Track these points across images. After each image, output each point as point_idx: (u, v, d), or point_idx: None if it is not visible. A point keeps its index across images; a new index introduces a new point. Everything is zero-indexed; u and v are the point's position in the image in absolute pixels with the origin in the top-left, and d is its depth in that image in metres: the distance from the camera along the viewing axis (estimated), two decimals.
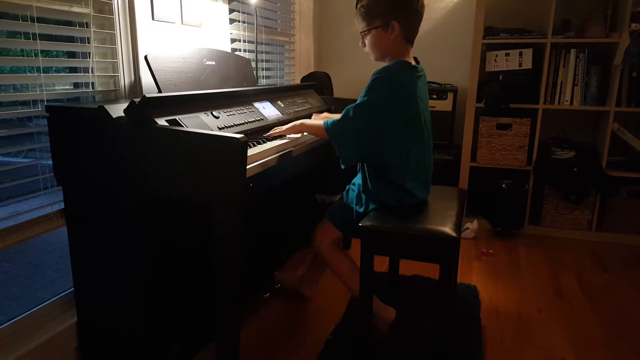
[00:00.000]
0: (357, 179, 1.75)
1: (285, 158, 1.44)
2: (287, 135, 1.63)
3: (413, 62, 1.58)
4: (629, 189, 2.71)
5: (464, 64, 3.05)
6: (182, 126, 1.28)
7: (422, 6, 1.54)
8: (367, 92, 1.49)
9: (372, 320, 1.68)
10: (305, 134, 1.67)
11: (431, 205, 1.67)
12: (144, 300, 1.39)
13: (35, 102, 1.42)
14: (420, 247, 1.48)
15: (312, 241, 1.79)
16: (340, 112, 2.16)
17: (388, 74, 1.49)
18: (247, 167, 1.20)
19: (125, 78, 1.69)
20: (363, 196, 1.66)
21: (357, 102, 1.50)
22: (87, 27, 1.56)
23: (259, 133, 1.62)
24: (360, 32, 1.59)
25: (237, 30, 2.41)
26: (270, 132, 1.62)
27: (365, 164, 1.63)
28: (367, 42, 1.58)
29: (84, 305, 1.51)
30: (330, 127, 1.53)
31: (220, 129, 1.43)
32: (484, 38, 2.76)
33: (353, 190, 1.75)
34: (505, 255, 2.58)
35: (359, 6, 1.56)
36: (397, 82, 1.49)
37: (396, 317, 1.76)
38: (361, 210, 1.66)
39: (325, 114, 1.92)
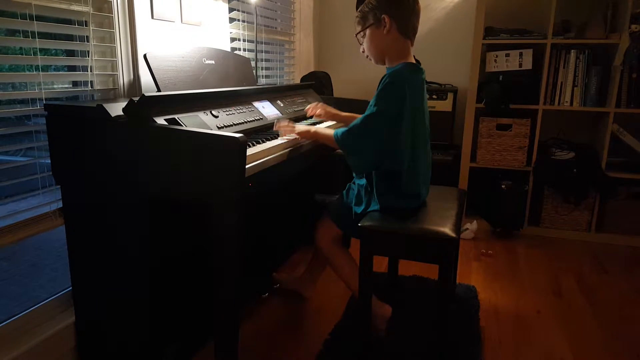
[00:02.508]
0: (358, 179, 1.75)
1: (284, 158, 1.43)
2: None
3: (416, 64, 1.57)
4: (628, 190, 2.71)
5: (464, 64, 3.05)
6: (181, 125, 1.28)
7: (416, 1, 1.52)
8: (377, 101, 1.47)
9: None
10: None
11: (430, 206, 1.66)
12: (142, 299, 1.38)
13: (33, 101, 1.41)
14: (419, 247, 1.48)
15: (313, 237, 1.79)
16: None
17: (398, 80, 1.47)
18: (247, 166, 1.20)
19: (124, 77, 1.68)
20: (365, 198, 1.65)
21: (367, 111, 1.49)
22: (86, 26, 1.55)
23: (258, 133, 1.61)
24: (356, 36, 1.60)
25: (236, 30, 2.40)
26: (280, 127, 1.60)
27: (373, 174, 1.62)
28: (364, 44, 1.59)
29: (81, 304, 1.50)
30: (339, 138, 1.52)
31: (219, 128, 1.43)
32: (484, 38, 2.76)
33: (353, 190, 1.74)
34: (505, 256, 2.58)
35: (355, 15, 1.58)
36: (407, 90, 1.47)
37: (394, 316, 1.75)
38: (360, 210, 1.65)
39: (330, 112, 1.91)
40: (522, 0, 2.93)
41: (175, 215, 1.47)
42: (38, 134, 1.45)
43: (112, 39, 1.63)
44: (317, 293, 2.09)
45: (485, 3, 2.70)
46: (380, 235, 1.50)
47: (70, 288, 1.52)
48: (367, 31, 1.55)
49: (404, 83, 1.47)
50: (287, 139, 1.53)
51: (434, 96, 2.95)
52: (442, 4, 3.17)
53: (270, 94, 1.94)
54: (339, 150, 1.64)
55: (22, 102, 1.40)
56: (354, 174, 1.75)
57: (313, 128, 1.62)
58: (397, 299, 2.02)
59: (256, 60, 2.40)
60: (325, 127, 1.71)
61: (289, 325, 1.87)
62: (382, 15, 1.49)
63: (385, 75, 1.50)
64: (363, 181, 1.69)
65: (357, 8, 1.58)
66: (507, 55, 2.79)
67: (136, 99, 1.21)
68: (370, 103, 1.50)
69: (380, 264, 2.34)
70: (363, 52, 1.61)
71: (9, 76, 1.37)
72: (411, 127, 1.51)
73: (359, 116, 1.64)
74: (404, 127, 1.49)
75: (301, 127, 1.62)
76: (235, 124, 1.52)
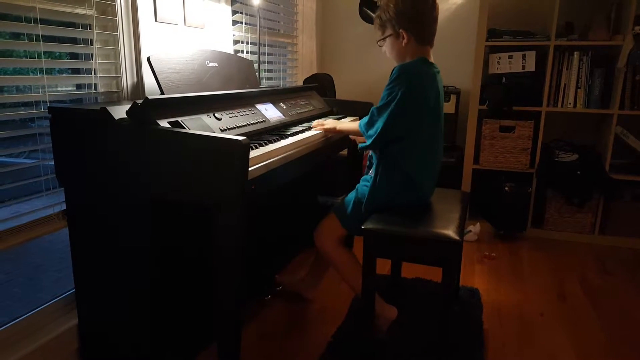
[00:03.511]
0: (368, 176, 1.75)
1: (287, 160, 1.43)
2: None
3: (431, 59, 1.64)
4: (632, 192, 2.70)
5: (467, 66, 3.04)
6: (184, 128, 1.28)
7: (433, 7, 1.59)
8: (389, 93, 1.55)
9: (374, 319, 1.68)
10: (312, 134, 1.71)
11: (434, 208, 1.66)
12: (145, 301, 1.39)
13: (37, 104, 1.42)
14: (422, 250, 1.48)
15: (314, 238, 1.79)
16: (342, 114, 2.18)
17: (406, 70, 1.55)
18: (249, 169, 1.20)
19: (127, 79, 1.69)
20: (369, 190, 1.66)
21: (382, 102, 1.57)
22: (90, 29, 1.56)
23: (261, 135, 1.62)
24: (377, 42, 1.69)
25: (239, 32, 2.41)
26: (315, 122, 1.82)
27: (380, 161, 1.64)
28: (385, 48, 1.68)
29: (85, 306, 1.51)
30: (361, 125, 1.65)
31: (222, 130, 1.43)
32: (487, 40, 2.76)
33: (366, 186, 1.73)
34: (508, 259, 2.57)
35: (375, 17, 1.68)
36: (414, 78, 1.55)
37: (398, 318, 1.75)
38: (364, 203, 1.66)
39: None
40: (525, 2, 2.93)
41: (178, 217, 1.47)
42: (42, 136, 1.45)
43: (115, 42, 1.64)
44: (320, 294, 2.09)
45: (488, 5, 2.70)
46: (383, 237, 1.50)
47: (74, 290, 1.52)
48: (387, 39, 1.64)
49: (410, 74, 1.55)
50: (293, 140, 1.57)
51: None
52: (445, 5, 3.17)
53: (273, 96, 1.94)
54: (343, 152, 1.68)
55: (26, 104, 1.41)
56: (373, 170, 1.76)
57: (339, 125, 1.78)
58: (400, 301, 2.01)
59: (259, 63, 2.40)
60: (349, 121, 1.86)
61: (291, 327, 1.87)
62: (400, 30, 1.58)
63: (395, 67, 1.57)
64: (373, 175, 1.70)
65: (359, 12, 1.63)
66: (510, 57, 2.78)
67: (140, 101, 1.21)
68: (383, 94, 1.57)
69: (384, 266, 2.33)
70: (385, 53, 1.71)
71: (13, 79, 1.37)
72: (421, 117, 1.57)
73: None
74: (408, 112, 1.55)
75: (329, 125, 1.79)
76: (238, 127, 1.52)
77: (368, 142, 1.62)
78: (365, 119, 1.63)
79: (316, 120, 1.86)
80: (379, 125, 1.57)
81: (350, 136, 1.95)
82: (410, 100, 1.53)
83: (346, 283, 1.77)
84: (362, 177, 1.79)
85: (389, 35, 1.63)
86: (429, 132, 1.62)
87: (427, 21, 1.59)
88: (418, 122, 1.57)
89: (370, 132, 1.60)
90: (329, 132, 1.78)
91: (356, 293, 1.75)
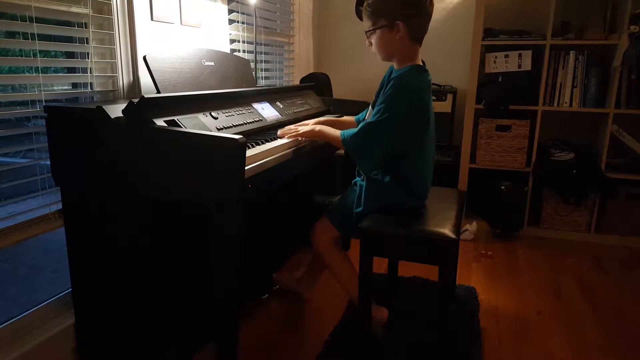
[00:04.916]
0: (360, 180, 1.74)
1: (284, 159, 1.43)
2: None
3: (423, 65, 1.58)
4: (628, 190, 2.71)
5: (463, 65, 3.05)
6: (181, 127, 1.28)
7: (431, 4, 1.53)
8: (387, 107, 1.47)
9: (370, 319, 1.68)
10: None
11: (430, 207, 1.67)
12: (143, 300, 1.38)
13: (33, 102, 1.41)
14: (419, 248, 1.48)
15: (310, 239, 1.78)
16: (339, 114, 2.18)
17: (406, 84, 1.49)
18: (246, 168, 1.20)
19: (123, 78, 1.69)
20: (365, 196, 1.64)
21: (376, 117, 1.48)
22: (85, 28, 1.55)
23: (258, 134, 1.62)
24: (366, 32, 1.56)
25: (236, 31, 2.41)
26: (284, 131, 1.58)
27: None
28: (373, 41, 1.56)
29: (81, 306, 1.50)
30: (349, 141, 1.52)
31: (219, 129, 1.43)
32: (483, 39, 2.76)
33: (355, 191, 1.73)
34: (505, 257, 2.58)
35: (365, 4, 1.54)
36: (415, 94, 1.49)
37: (393, 318, 1.75)
38: (359, 210, 1.65)
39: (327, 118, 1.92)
40: (521, 1, 2.94)
41: (175, 216, 1.47)
42: (38, 135, 1.45)
43: (111, 41, 1.63)
44: (317, 294, 2.09)
45: (485, 4, 2.70)
46: (380, 236, 1.50)
47: (70, 289, 1.52)
48: (378, 31, 1.52)
49: (410, 89, 1.49)
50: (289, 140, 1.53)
51: (434, 97, 2.94)
52: (441, 4, 3.17)
53: (270, 95, 1.94)
54: (340, 151, 1.65)
55: (22, 104, 1.40)
56: (357, 176, 1.75)
57: (317, 127, 1.62)
58: (397, 300, 2.02)
59: (255, 62, 2.40)
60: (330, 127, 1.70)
61: (289, 326, 1.87)
62: (397, 22, 1.48)
63: (392, 77, 1.51)
64: (365, 182, 1.69)
65: (356, 11, 1.59)
66: (507, 56, 2.79)
67: (136, 100, 1.21)
68: (378, 107, 1.49)
69: (380, 265, 2.33)
70: (369, 45, 1.59)
71: (8, 78, 1.37)
72: (420, 130, 1.54)
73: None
74: (412, 132, 1.52)
75: (304, 128, 1.61)
76: (234, 126, 1.52)
77: (362, 164, 1.54)
78: (351, 133, 1.52)
79: (287, 127, 1.61)
80: (377, 150, 1.49)
81: None
82: (414, 120, 1.50)
83: (340, 285, 1.77)
84: (353, 181, 1.79)
85: (381, 27, 1.50)
86: (425, 139, 1.59)
87: (424, 16, 1.52)
88: (418, 136, 1.55)
89: (365, 155, 1.50)
90: (307, 137, 1.58)
91: (349, 295, 1.75)
